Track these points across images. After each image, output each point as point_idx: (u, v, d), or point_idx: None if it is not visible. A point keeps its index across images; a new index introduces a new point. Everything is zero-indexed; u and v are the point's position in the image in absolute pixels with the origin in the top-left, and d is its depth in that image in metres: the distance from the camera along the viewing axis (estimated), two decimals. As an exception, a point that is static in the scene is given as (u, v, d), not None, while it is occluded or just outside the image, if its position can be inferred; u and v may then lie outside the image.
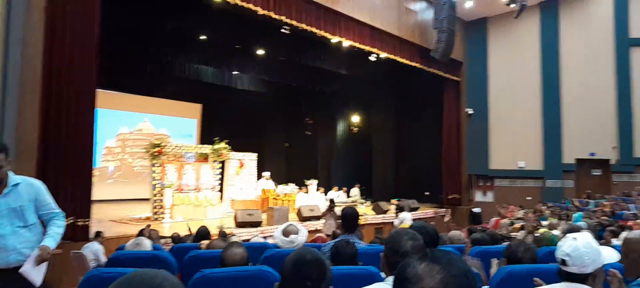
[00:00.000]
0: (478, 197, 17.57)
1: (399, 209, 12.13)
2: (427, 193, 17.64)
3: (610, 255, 2.03)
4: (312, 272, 1.69)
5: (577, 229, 5.63)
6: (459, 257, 1.12)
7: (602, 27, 15.06)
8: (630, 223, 9.55)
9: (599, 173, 15.30)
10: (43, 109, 7.12)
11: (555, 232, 7.79)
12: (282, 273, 1.75)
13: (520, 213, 13.64)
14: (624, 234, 7.42)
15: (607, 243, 7.44)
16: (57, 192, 7.15)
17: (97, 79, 7.98)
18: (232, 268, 2.64)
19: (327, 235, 8.92)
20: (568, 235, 2.08)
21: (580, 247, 1.95)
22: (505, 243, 5.16)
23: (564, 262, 1.97)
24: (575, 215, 11.07)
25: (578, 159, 15.41)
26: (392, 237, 2.09)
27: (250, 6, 9.88)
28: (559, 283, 2.00)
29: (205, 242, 4.81)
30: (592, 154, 15.12)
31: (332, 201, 10.64)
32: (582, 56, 15.34)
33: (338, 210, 10.17)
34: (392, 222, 11.94)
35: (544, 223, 10.91)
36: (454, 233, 5.51)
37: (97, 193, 8.33)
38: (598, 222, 10.11)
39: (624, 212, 10.99)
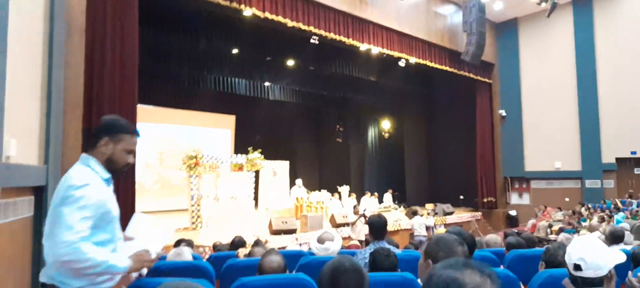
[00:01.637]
0: (514, 199, 17.22)
1: (413, 213, 12.05)
2: (461, 196, 17.41)
3: (617, 257, 1.92)
4: (350, 280, 1.69)
5: (620, 232, 5.46)
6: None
7: (638, 20, 14.56)
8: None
9: (641, 172, 14.76)
10: (86, 129, 7.44)
11: (597, 234, 7.59)
12: (320, 282, 1.76)
13: (559, 215, 13.30)
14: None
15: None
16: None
17: (138, 97, 8.27)
18: (269, 276, 2.70)
19: (359, 241, 8.96)
20: (575, 239, 2.03)
21: (593, 250, 1.90)
22: (544, 247, 5.05)
23: (577, 267, 1.92)
24: (617, 216, 10.73)
25: (618, 158, 14.90)
26: (443, 243, 1.93)
27: (280, 19, 10.09)
28: None
29: (242, 251, 4.92)
30: (634, 153, 14.59)
31: (357, 207, 10.69)
32: (619, 52, 14.86)
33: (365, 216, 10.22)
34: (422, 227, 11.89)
35: (584, 224, 10.63)
36: (491, 237, 5.44)
37: (138, 205, 8.59)
38: (642, 223, 9.78)
39: (669, 211, 10.58)
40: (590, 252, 1.90)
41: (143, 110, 13.74)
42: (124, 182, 7.92)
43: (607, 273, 1.89)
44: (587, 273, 1.90)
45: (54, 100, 6.86)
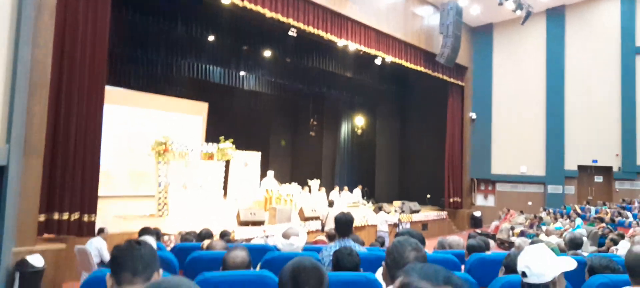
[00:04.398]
0: (479, 200, 17.64)
1: (379, 209, 12.20)
2: (428, 195, 17.72)
3: (565, 265, 2.05)
4: (310, 278, 1.72)
5: (579, 239, 5.66)
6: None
7: (608, 34, 15.06)
8: (630, 231, 9.62)
9: (601, 180, 15.32)
10: (52, 108, 7.26)
11: (552, 239, 7.85)
12: (280, 280, 1.79)
13: (520, 218, 13.70)
14: (623, 242, 7.49)
15: (607, 251, 7.52)
16: (63, 187, 7.35)
17: (106, 78, 8.11)
18: (233, 272, 2.69)
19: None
20: (526, 248, 2.15)
21: (537, 259, 2.03)
22: (504, 251, 5.17)
23: (524, 274, 2.05)
24: (577, 222, 11.14)
25: (580, 166, 15.43)
26: (395, 248, 1.94)
27: (259, 8, 10.03)
28: None
29: (206, 242, 4.89)
30: (595, 161, 15.13)
31: (331, 202, 10.74)
32: (588, 63, 15.35)
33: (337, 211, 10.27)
34: (395, 224, 12.08)
35: (544, 228, 10.99)
36: (454, 238, 5.55)
37: (101, 189, 8.44)
38: (601, 232, 10.19)
39: (624, 220, 11.04)
40: (534, 260, 2.03)
41: (113, 92, 13.47)
42: (90, 163, 7.78)
43: (551, 279, 2.00)
44: (531, 279, 2.02)
45: (20, 78, 6.66)
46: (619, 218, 11.52)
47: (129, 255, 1.78)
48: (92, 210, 7.83)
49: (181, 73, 14.81)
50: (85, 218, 7.69)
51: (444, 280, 1.01)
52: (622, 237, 8.21)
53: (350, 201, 15.66)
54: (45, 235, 7.39)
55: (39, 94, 7.02)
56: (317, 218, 11.57)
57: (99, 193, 8.23)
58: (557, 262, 2.04)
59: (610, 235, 8.55)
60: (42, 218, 7.17)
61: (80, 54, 7.56)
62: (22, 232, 6.68)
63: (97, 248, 6.63)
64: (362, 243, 5.54)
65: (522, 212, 14.60)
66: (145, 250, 1.82)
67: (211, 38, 13.03)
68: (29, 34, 6.66)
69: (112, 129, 15.50)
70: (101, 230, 7.25)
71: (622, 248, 6.90)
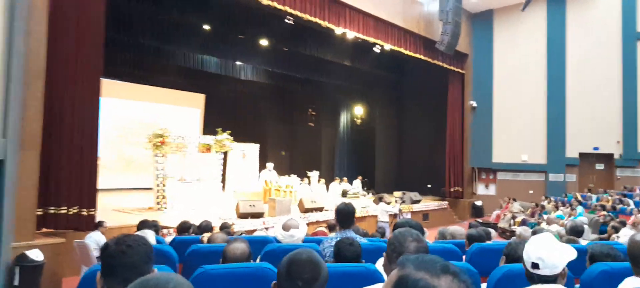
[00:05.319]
0: (480, 190, 17.58)
1: (379, 199, 12.19)
2: (429, 185, 17.67)
3: (570, 254, 2.01)
4: (305, 271, 1.71)
5: (580, 227, 5.61)
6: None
7: (609, 20, 14.93)
8: (631, 219, 9.58)
9: (602, 168, 15.28)
10: (47, 98, 7.14)
11: (553, 228, 7.81)
12: (278, 271, 1.79)
13: (515, 205, 13.66)
14: (624, 230, 7.46)
15: (609, 238, 7.48)
16: (60, 181, 7.26)
17: (102, 68, 8.00)
18: (232, 265, 2.65)
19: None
20: (532, 238, 2.09)
21: (550, 250, 1.98)
22: (506, 241, 5.12)
23: (535, 265, 1.99)
24: (578, 210, 11.11)
25: (581, 153, 15.38)
26: (396, 238, 1.98)
27: (254, -4, 9.90)
28: (532, 286, 2.02)
29: (206, 235, 4.85)
30: (596, 149, 15.08)
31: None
32: (588, 50, 15.24)
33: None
34: (395, 215, 12.06)
35: (546, 217, 10.96)
36: (456, 228, 5.50)
37: (99, 182, 8.36)
38: (602, 219, 10.15)
39: (625, 207, 11.00)
40: (547, 251, 1.97)
41: (108, 85, 13.33)
42: (87, 156, 7.69)
43: (561, 270, 1.97)
44: (544, 271, 1.97)
45: (15, 69, 6.53)
46: (621, 205, 11.50)
47: (119, 263, 1.64)
48: (92, 204, 7.74)
49: (177, 63, 14.74)
50: (85, 212, 7.60)
51: (441, 269, 0.97)
52: (623, 224, 8.17)
53: (350, 192, 15.62)
54: (44, 230, 7.32)
55: (34, 85, 6.89)
56: (317, 209, 11.53)
57: (97, 187, 8.15)
58: (565, 251, 2.00)
59: (612, 223, 8.49)
60: (40, 212, 7.10)
61: (75, 43, 7.42)
62: (20, 227, 6.59)
63: (96, 242, 6.58)
64: (365, 234, 5.49)
65: (515, 199, 14.53)
66: (138, 255, 1.67)
67: (207, 27, 12.90)
68: (22, 22, 6.51)
69: (109, 121, 15.42)
70: (100, 224, 7.21)
71: (623, 236, 6.86)
